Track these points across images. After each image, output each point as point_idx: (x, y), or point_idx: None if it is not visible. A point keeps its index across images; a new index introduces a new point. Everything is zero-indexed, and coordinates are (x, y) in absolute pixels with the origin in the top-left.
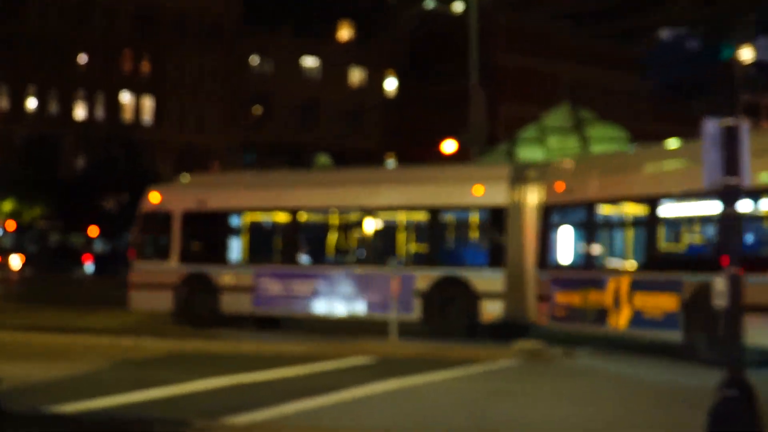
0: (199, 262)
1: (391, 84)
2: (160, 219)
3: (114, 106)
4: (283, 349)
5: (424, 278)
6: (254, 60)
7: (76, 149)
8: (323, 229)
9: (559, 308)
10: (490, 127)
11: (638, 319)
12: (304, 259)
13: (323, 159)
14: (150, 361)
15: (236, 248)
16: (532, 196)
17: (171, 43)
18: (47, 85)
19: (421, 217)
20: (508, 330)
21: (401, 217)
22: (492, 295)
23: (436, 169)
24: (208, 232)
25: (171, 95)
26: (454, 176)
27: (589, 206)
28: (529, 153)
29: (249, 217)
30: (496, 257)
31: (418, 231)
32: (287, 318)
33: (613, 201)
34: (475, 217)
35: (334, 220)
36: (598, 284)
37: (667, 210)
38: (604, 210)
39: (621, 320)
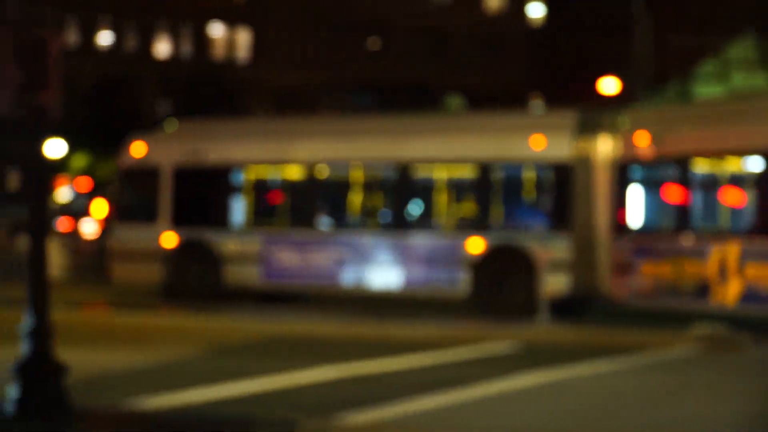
0: (195, 227)
1: (535, 10)
2: (146, 175)
3: (202, 40)
4: (405, 333)
5: (471, 246)
6: None
7: (157, 92)
8: (348, 186)
9: (644, 282)
10: (658, 61)
11: (752, 294)
12: (324, 222)
13: (454, 101)
14: (248, 347)
15: (241, 210)
16: (605, 149)
17: None
18: (123, 17)
19: (468, 173)
20: (573, 307)
21: (443, 173)
22: (555, 267)
23: (486, 116)
24: (206, 190)
25: (270, 26)
26: (507, 125)
27: (684, 161)
28: (707, 91)
29: (256, 172)
30: (559, 221)
31: (464, 190)
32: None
33: (717, 155)
34: (533, 174)
35: (360, 175)
36: (698, 254)
37: None
38: (704, 165)
39: (729, 295)
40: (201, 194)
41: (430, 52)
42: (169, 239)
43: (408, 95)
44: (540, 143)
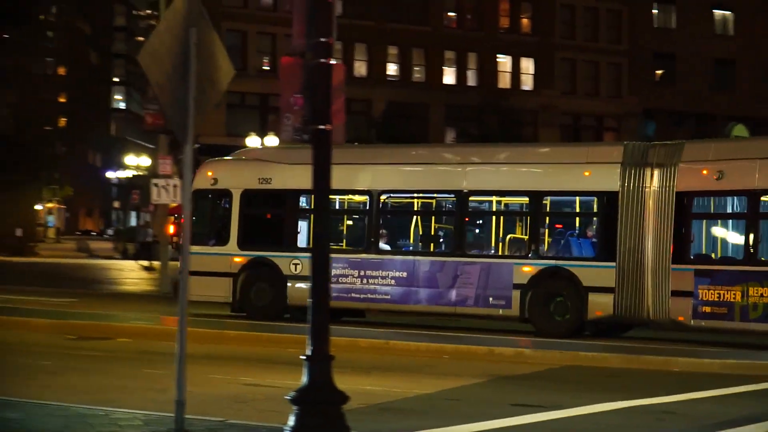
0: (262, 247)
1: None
2: (216, 198)
3: (487, 69)
4: (688, 362)
5: (523, 270)
6: (654, 12)
7: (444, 119)
8: (403, 213)
9: (707, 304)
10: None
11: None
12: (385, 246)
13: (738, 128)
14: (526, 377)
15: (306, 233)
16: (655, 181)
17: None
18: (410, 47)
19: (523, 202)
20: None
21: (499, 202)
22: (601, 290)
23: (541, 148)
24: (271, 213)
25: (556, 54)
26: (560, 157)
27: (746, 193)
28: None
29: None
30: (606, 248)
31: (519, 218)
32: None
33: None
34: (583, 204)
35: (420, 203)
36: (759, 279)
37: None
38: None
39: None
40: (267, 217)
41: (714, 82)
42: (237, 259)
43: (693, 122)
44: (590, 176)
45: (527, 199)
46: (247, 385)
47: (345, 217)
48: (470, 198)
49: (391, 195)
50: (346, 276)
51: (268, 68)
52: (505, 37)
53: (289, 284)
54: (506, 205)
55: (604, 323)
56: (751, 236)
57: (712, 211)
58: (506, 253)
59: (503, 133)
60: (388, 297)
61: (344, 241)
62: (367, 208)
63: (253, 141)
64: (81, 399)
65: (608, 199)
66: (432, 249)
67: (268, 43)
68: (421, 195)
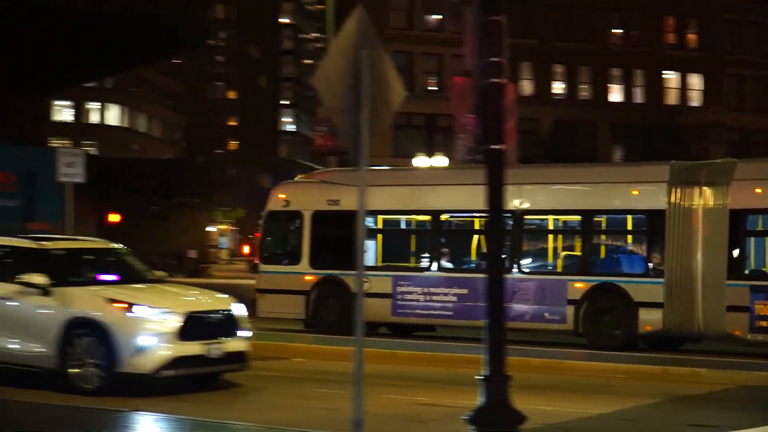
0: (332, 266)
1: None
2: (288, 219)
3: (654, 86)
4: None
5: (576, 286)
6: None
7: (611, 136)
8: (465, 232)
9: (764, 319)
10: None
11: None
12: (445, 264)
13: None
14: (711, 397)
15: (372, 252)
16: (704, 199)
17: (723, 6)
18: (576, 65)
19: (574, 220)
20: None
21: (554, 221)
22: (650, 305)
23: (593, 169)
24: (340, 233)
25: (724, 70)
26: (610, 177)
27: None
28: None
29: (385, 219)
30: (654, 264)
31: (572, 236)
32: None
33: None
34: (633, 222)
35: (477, 223)
36: None
37: None
38: None
39: None
40: (336, 237)
41: None
42: (309, 277)
43: None
44: (638, 194)
45: (579, 217)
46: (423, 404)
47: (409, 236)
48: (525, 217)
49: (452, 215)
50: (411, 293)
51: (435, 89)
52: (671, 53)
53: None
54: (560, 223)
55: (654, 337)
56: None
57: (765, 229)
58: (560, 270)
59: (671, 150)
60: (450, 313)
61: (409, 259)
62: (429, 227)
63: (420, 161)
64: (258, 418)
65: (656, 216)
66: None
67: (434, 64)
68: (478, 215)
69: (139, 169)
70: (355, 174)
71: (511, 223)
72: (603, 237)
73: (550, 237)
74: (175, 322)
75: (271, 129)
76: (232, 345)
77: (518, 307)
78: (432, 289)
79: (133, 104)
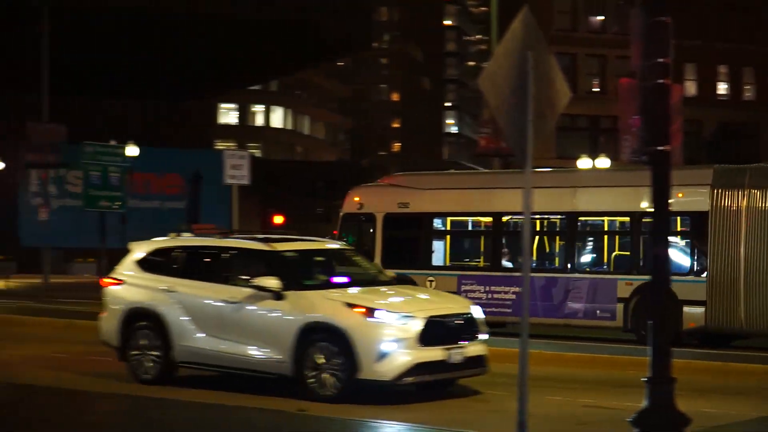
0: (401, 265)
1: None
2: (361, 221)
3: None
4: None
5: (626, 284)
6: None
7: None
8: (540, 232)
9: None
10: None
11: None
12: (507, 263)
13: None
14: None
15: (440, 252)
16: (747, 201)
17: None
18: (740, 66)
19: (624, 221)
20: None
21: (605, 222)
22: (693, 303)
23: (639, 173)
24: (409, 234)
25: None
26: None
27: None
28: None
29: (451, 221)
30: (698, 264)
31: (621, 237)
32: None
33: None
34: (678, 223)
35: (536, 225)
36: None
37: None
38: None
39: None
40: (405, 238)
41: None
42: None
43: None
44: (683, 197)
45: (628, 219)
46: (587, 407)
47: (472, 237)
48: (579, 218)
49: (513, 216)
50: (474, 291)
51: (598, 90)
52: None
53: None
54: (610, 224)
55: (698, 333)
56: None
57: None
58: (611, 270)
59: None
60: (510, 310)
61: (477, 259)
62: (491, 228)
63: (583, 163)
64: (427, 419)
65: (699, 218)
66: (547, 266)
67: (598, 65)
68: (536, 216)
69: (303, 171)
70: (422, 178)
71: (566, 224)
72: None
73: (603, 238)
74: (416, 326)
75: (434, 131)
76: (472, 349)
77: (573, 304)
78: (493, 288)
79: (297, 106)
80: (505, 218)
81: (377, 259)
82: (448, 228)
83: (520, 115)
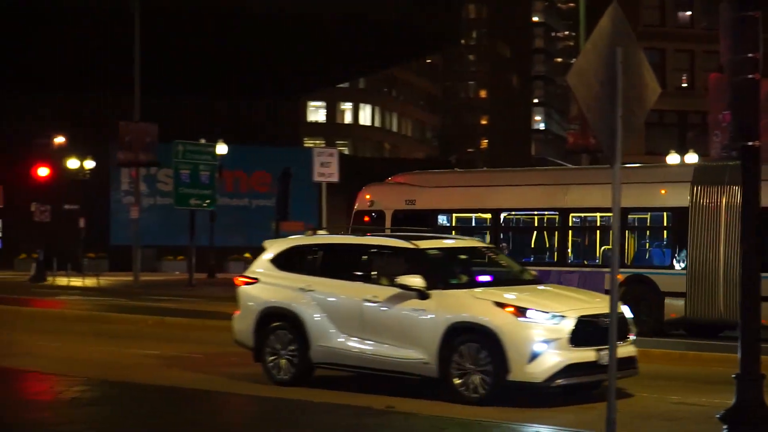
0: None
1: None
2: (373, 218)
3: None
4: None
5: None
6: None
7: None
8: (523, 229)
9: None
10: None
11: None
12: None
13: None
14: None
15: None
16: (728, 197)
17: None
18: None
19: (610, 216)
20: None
21: (594, 218)
22: (675, 295)
23: (627, 171)
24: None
25: None
26: (642, 177)
27: None
28: None
29: (454, 217)
30: (679, 257)
31: (608, 231)
32: None
33: None
34: (660, 219)
35: (530, 220)
36: None
37: None
38: None
39: None
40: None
41: None
42: None
43: None
44: (666, 194)
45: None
46: (676, 403)
47: (476, 232)
48: (571, 215)
49: (510, 212)
50: None
51: (686, 85)
52: None
53: None
54: (599, 219)
55: (679, 324)
56: None
57: None
58: (600, 263)
59: None
60: None
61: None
62: (490, 224)
63: (672, 159)
64: (509, 417)
65: (680, 213)
66: (541, 260)
67: (686, 60)
68: (534, 214)
69: (391, 168)
70: (428, 177)
71: (559, 221)
72: (636, 233)
73: (591, 233)
74: (568, 326)
75: (522, 127)
76: (622, 350)
77: None
78: None
79: (385, 104)
80: (503, 215)
81: None
82: (452, 224)
83: (608, 111)
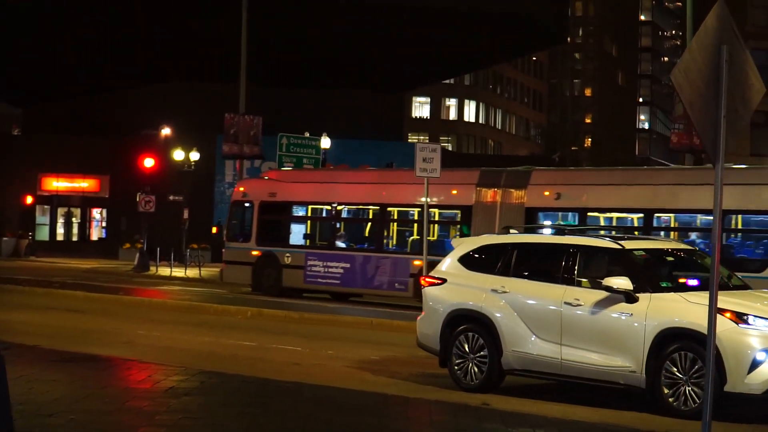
0: (270, 244)
1: None
2: (244, 208)
3: None
4: None
5: (415, 263)
6: None
7: None
8: (354, 220)
9: None
10: None
11: None
12: (339, 243)
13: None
14: None
15: (295, 233)
16: (507, 197)
17: None
18: None
19: (411, 212)
20: None
21: (405, 212)
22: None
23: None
24: (276, 219)
25: None
26: (451, 179)
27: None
28: None
29: (303, 208)
30: None
31: (406, 224)
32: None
33: None
34: (453, 214)
35: (360, 212)
36: None
37: None
38: None
39: None
40: (273, 222)
41: None
42: (255, 252)
43: None
44: (457, 194)
45: (418, 210)
46: None
47: (319, 222)
48: (387, 209)
49: (345, 205)
50: (316, 265)
51: None
52: None
53: (283, 270)
54: (408, 214)
55: None
56: None
57: (550, 222)
58: (408, 250)
59: None
60: (338, 282)
61: (320, 239)
62: (330, 215)
63: None
64: (575, 413)
65: (466, 210)
66: (364, 247)
67: None
68: (360, 206)
69: (495, 165)
70: (287, 173)
71: (378, 213)
72: (435, 226)
73: (396, 225)
74: None
75: (627, 126)
76: None
77: (379, 278)
78: (329, 263)
79: (490, 100)
80: (339, 207)
81: (253, 238)
82: (301, 214)
83: (713, 111)
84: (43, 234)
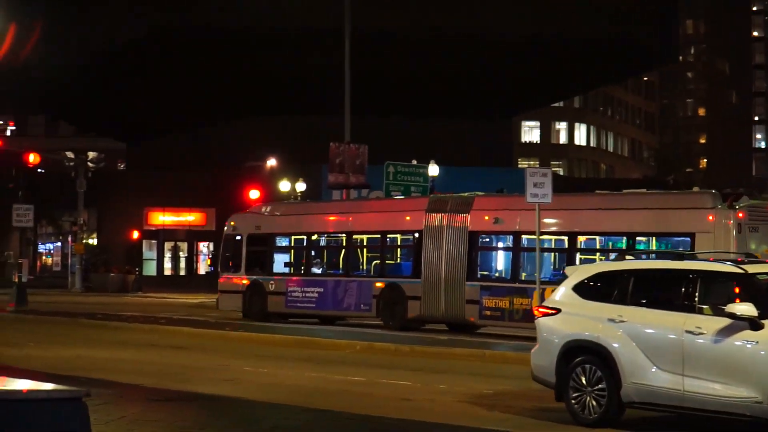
0: (256, 273)
1: None
2: (234, 240)
3: None
4: None
5: (377, 285)
6: None
7: None
8: (331, 248)
9: (489, 310)
10: None
11: None
12: (314, 270)
13: None
14: None
15: (277, 262)
16: (452, 221)
17: None
18: None
19: (376, 238)
20: None
21: (353, 240)
22: (415, 298)
23: (388, 201)
24: (261, 249)
25: None
26: (392, 207)
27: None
28: None
29: (284, 240)
30: (417, 268)
31: (373, 251)
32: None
33: None
34: (400, 239)
35: (331, 240)
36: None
37: None
38: None
39: None
40: (259, 252)
41: None
42: (244, 281)
43: None
44: (408, 219)
45: (379, 236)
46: None
47: (296, 251)
48: (354, 237)
49: (318, 236)
50: (294, 291)
51: None
52: None
53: (268, 297)
54: (371, 240)
55: (419, 321)
56: (518, 262)
57: (491, 245)
58: (372, 273)
59: None
60: (314, 305)
61: (297, 267)
62: (305, 244)
63: None
64: None
65: (419, 234)
66: (334, 272)
67: None
68: (334, 235)
69: (607, 188)
70: (270, 206)
71: (347, 241)
72: (390, 250)
73: (361, 251)
74: None
75: (742, 146)
76: None
77: (348, 300)
78: (305, 288)
79: (601, 123)
80: (313, 237)
81: (242, 268)
82: (282, 245)
83: None
84: (150, 269)
